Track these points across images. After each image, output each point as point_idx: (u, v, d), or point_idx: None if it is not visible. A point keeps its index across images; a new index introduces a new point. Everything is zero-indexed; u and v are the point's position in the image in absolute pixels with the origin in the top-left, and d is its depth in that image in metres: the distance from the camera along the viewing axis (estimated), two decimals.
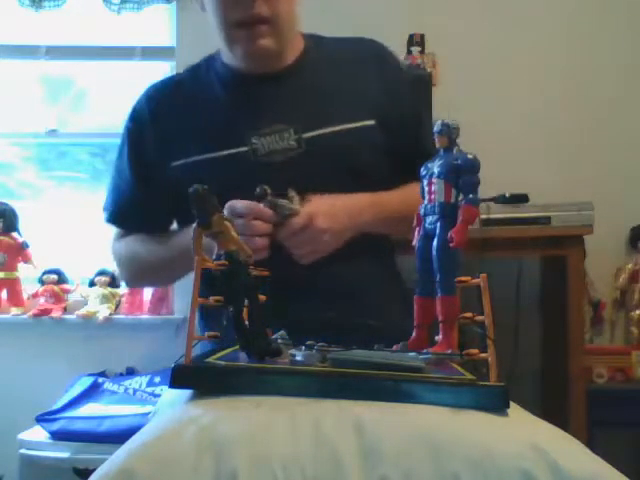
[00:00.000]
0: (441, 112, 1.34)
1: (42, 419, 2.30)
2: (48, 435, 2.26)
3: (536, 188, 2.20)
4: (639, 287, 2.61)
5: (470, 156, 0.96)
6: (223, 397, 0.85)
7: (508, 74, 2.69)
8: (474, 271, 0.91)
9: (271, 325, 0.98)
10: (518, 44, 2.72)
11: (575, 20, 2.76)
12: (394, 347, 1.00)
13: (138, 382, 2.53)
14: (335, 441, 0.77)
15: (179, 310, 2.78)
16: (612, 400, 2.37)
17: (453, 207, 0.94)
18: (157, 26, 2.92)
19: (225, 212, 1.22)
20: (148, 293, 2.79)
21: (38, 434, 2.28)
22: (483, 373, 0.87)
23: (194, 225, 0.93)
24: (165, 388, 2.22)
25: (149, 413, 1.65)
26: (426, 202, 0.99)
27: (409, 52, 2.65)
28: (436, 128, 1.00)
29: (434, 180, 0.97)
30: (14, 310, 2.73)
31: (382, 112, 1.39)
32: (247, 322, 0.94)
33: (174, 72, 2.81)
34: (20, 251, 2.78)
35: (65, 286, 2.80)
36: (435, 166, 0.98)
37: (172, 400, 0.99)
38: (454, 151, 0.98)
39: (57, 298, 2.77)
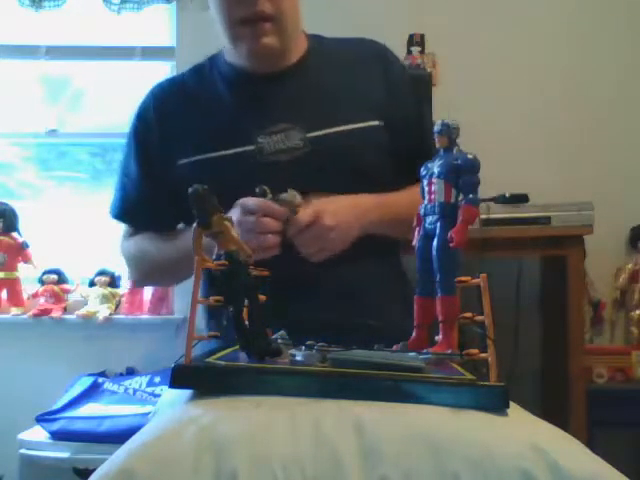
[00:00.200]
0: (441, 112, 1.35)
1: (42, 419, 2.30)
2: (48, 435, 2.26)
3: (536, 188, 2.20)
4: (639, 287, 2.61)
5: (470, 156, 0.96)
6: (223, 397, 0.85)
7: (508, 74, 2.69)
8: (474, 271, 0.91)
9: (272, 325, 0.98)
10: (518, 44, 2.72)
11: (575, 20, 2.76)
12: (394, 347, 1.00)
13: (138, 382, 2.52)
14: (335, 441, 0.77)
15: (179, 310, 2.78)
16: (612, 400, 2.37)
17: (453, 207, 0.94)
18: (157, 26, 2.92)
19: (236, 210, 1.23)
20: (148, 293, 2.80)
21: (38, 434, 2.28)
22: (483, 373, 0.87)
23: (194, 225, 0.93)
24: (165, 388, 2.22)
25: (149, 413, 1.65)
26: (426, 202, 0.99)
27: (409, 52, 2.65)
28: (436, 128, 1.00)
29: (434, 180, 0.97)
30: (14, 310, 2.73)
31: (386, 112, 1.39)
32: (247, 322, 0.94)
33: (174, 72, 2.81)
34: (20, 251, 2.78)
35: (65, 286, 2.80)
36: (435, 166, 0.98)
37: (172, 400, 0.99)
38: (454, 151, 0.98)
39: (57, 298, 2.76)
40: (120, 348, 2.72)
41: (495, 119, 2.64)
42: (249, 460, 0.75)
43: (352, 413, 0.80)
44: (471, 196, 0.93)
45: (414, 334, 0.99)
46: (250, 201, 1.22)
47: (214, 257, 0.95)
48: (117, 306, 2.79)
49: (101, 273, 2.80)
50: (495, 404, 0.84)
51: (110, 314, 2.72)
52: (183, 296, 2.73)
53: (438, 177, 0.97)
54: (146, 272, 1.52)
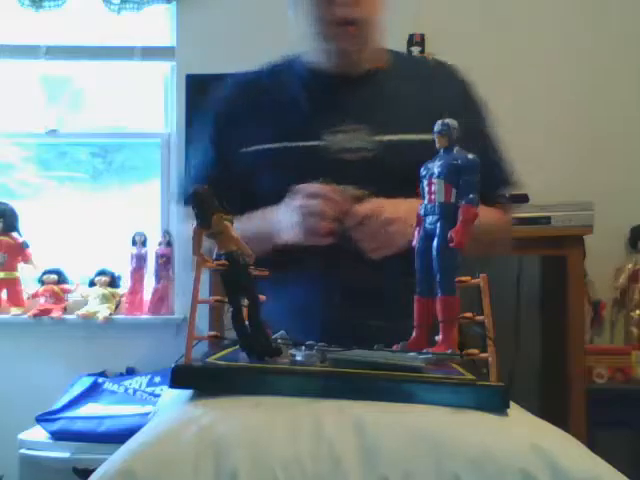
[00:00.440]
0: None
1: (42, 419, 2.30)
2: (48, 435, 2.26)
3: (536, 188, 2.20)
4: (639, 287, 2.61)
5: (470, 156, 0.96)
6: (223, 397, 0.85)
7: (508, 74, 2.69)
8: (474, 271, 0.91)
9: (340, 334, 1.00)
10: (518, 44, 2.72)
11: (575, 20, 2.76)
12: (394, 347, 1.00)
13: (138, 382, 2.53)
14: (335, 441, 0.77)
15: (179, 310, 2.78)
16: (612, 400, 2.37)
17: (453, 207, 0.94)
18: (157, 26, 2.92)
19: (295, 195, 1.25)
20: (148, 293, 2.80)
21: (38, 434, 2.28)
22: (483, 373, 0.87)
23: (194, 225, 0.93)
24: (165, 388, 2.22)
25: (149, 413, 1.65)
26: (426, 202, 0.99)
27: (409, 52, 2.65)
28: (436, 128, 1.00)
29: (434, 180, 0.97)
30: (14, 310, 2.73)
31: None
32: (247, 322, 0.94)
33: (174, 72, 2.82)
34: (20, 251, 2.79)
35: (65, 286, 2.81)
36: (435, 166, 0.98)
37: (172, 400, 0.99)
38: (454, 151, 0.98)
39: (57, 298, 2.77)
40: (120, 348, 2.72)
41: (495, 119, 2.64)
42: (249, 460, 0.75)
43: (352, 413, 0.80)
44: (471, 196, 0.93)
45: (414, 334, 0.99)
46: (313, 186, 1.24)
47: (214, 257, 0.95)
48: (117, 306, 2.79)
49: (101, 273, 2.80)
50: (495, 404, 0.84)
51: (110, 314, 2.72)
52: (183, 296, 2.74)
53: (438, 177, 0.97)
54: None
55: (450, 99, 1.43)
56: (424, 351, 0.94)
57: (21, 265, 2.80)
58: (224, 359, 0.94)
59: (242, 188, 1.40)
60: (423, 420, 0.80)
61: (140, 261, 2.78)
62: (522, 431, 0.81)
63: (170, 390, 0.95)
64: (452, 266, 0.93)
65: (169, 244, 2.80)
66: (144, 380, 2.53)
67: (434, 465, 0.75)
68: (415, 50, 2.65)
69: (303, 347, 0.96)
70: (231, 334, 0.95)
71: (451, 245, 0.92)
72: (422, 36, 2.67)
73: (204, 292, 1.22)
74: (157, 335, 2.71)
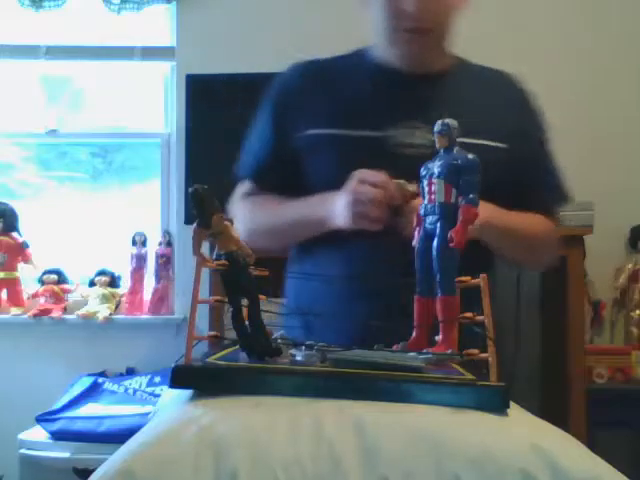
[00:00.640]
0: None
1: (42, 419, 2.30)
2: (48, 435, 2.26)
3: None
4: (639, 287, 2.61)
5: (470, 156, 0.96)
6: (223, 397, 0.85)
7: None
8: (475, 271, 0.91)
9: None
10: (518, 44, 2.72)
11: (575, 20, 2.76)
12: (394, 347, 1.00)
13: (138, 382, 2.53)
14: (335, 441, 0.77)
15: (179, 310, 2.78)
16: (612, 400, 2.37)
17: (453, 207, 0.94)
18: (157, 26, 2.92)
19: (351, 180, 1.25)
20: (148, 293, 2.80)
21: (38, 434, 2.28)
22: (484, 373, 0.87)
23: (194, 225, 0.93)
24: (165, 388, 2.22)
25: (149, 413, 1.65)
26: (426, 202, 0.99)
27: None
28: (436, 128, 1.00)
29: (434, 180, 0.97)
30: (14, 310, 2.73)
31: (515, 141, 1.43)
32: (247, 322, 0.94)
33: (174, 72, 2.82)
34: (20, 251, 2.79)
35: (65, 286, 2.81)
36: (435, 166, 0.98)
37: (172, 400, 0.99)
38: (454, 151, 0.98)
39: (57, 298, 2.77)
40: (120, 348, 2.72)
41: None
42: (249, 460, 0.75)
43: (352, 413, 0.80)
44: (471, 196, 0.93)
45: (414, 334, 0.99)
46: (370, 173, 1.25)
47: (214, 257, 0.95)
48: (117, 306, 2.79)
49: (101, 273, 2.80)
50: (495, 404, 0.84)
51: (110, 314, 2.72)
52: (183, 296, 2.74)
53: (438, 177, 0.97)
54: (255, 231, 1.53)
55: (509, 107, 1.46)
56: (424, 351, 0.94)
57: (21, 265, 2.81)
58: (224, 359, 0.94)
59: (302, 168, 1.42)
60: (423, 420, 0.80)
61: (140, 261, 2.78)
62: (522, 431, 0.81)
63: (170, 390, 0.95)
64: (452, 266, 0.93)
65: (169, 244, 2.80)
66: (144, 380, 2.53)
67: (434, 465, 0.75)
68: None
69: (303, 347, 0.96)
70: (231, 334, 0.95)
71: (451, 245, 0.92)
72: None
73: (204, 292, 1.22)
74: (157, 335, 2.71)
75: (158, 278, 2.78)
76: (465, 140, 1.37)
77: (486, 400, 0.84)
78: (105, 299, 2.75)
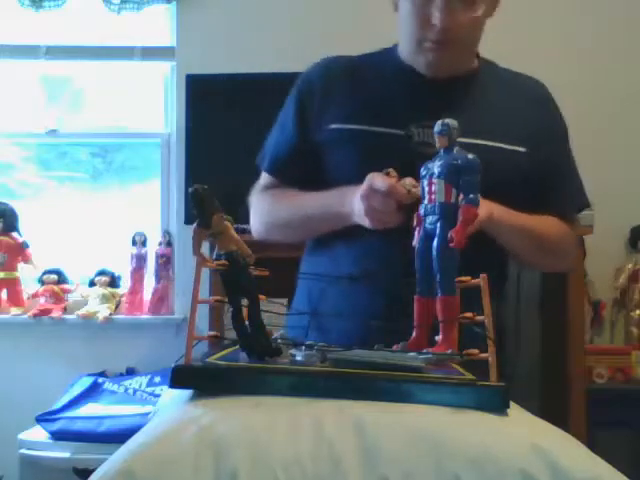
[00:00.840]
0: None
1: (42, 419, 2.30)
2: (48, 435, 2.26)
3: None
4: (639, 287, 2.61)
5: (470, 156, 0.96)
6: (223, 397, 0.85)
7: None
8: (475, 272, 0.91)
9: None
10: (518, 44, 2.72)
11: (575, 20, 2.76)
12: (394, 347, 1.00)
13: (138, 382, 2.53)
14: (335, 441, 0.77)
15: (179, 310, 2.78)
16: (612, 400, 2.37)
17: (453, 207, 0.94)
18: (157, 26, 2.92)
19: (365, 182, 1.25)
20: (148, 293, 2.80)
21: (38, 434, 2.28)
22: (486, 374, 0.87)
23: (194, 225, 0.93)
24: (165, 388, 2.22)
25: (149, 413, 1.65)
26: (426, 202, 0.99)
27: None
28: (436, 128, 1.00)
29: (434, 180, 0.97)
30: (14, 310, 2.73)
31: (535, 147, 1.43)
32: (247, 322, 0.94)
33: (174, 72, 2.82)
34: (20, 251, 2.79)
35: (65, 286, 2.81)
36: (435, 166, 0.98)
37: (172, 400, 0.99)
38: (454, 151, 0.98)
39: (57, 298, 2.77)
40: (120, 348, 2.72)
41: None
42: (249, 460, 0.75)
43: (352, 413, 0.80)
44: (471, 196, 0.93)
45: (414, 334, 0.99)
46: (378, 180, 1.24)
47: (214, 257, 0.95)
48: (117, 306, 2.79)
49: (101, 273, 2.80)
50: (495, 404, 0.84)
51: (110, 314, 2.72)
52: (183, 296, 2.74)
53: (438, 177, 0.97)
54: (272, 224, 1.53)
55: (532, 112, 1.46)
56: (424, 351, 0.94)
57: (21, 265, 2.80)
58: (224, 359, 0.94)
59: (322, 163, 1.43)
60: (423, 420, 0.80)
61: (140, 261, 2.78)
62: (522, 431, 0.81)
63: (170, 390, 0.95)
64: (452, 266, 0.94)
65: (169, 244, 2.80)
66: (144, 380, 2.53)
67: (434, 465, 0.75)
68: None
69: (303, 347, 0.96)
70: (231, 334, 0.95)
71: (451, 245, 0.92)
72: None
73: (204, 292, 1.22)
74: (157, 335, 2.71)
75: (158, 278, 2.78)
76: (483, 142, 1.39)
77: (486, 400, 0.84)
78: (105, 299, 2.75)
